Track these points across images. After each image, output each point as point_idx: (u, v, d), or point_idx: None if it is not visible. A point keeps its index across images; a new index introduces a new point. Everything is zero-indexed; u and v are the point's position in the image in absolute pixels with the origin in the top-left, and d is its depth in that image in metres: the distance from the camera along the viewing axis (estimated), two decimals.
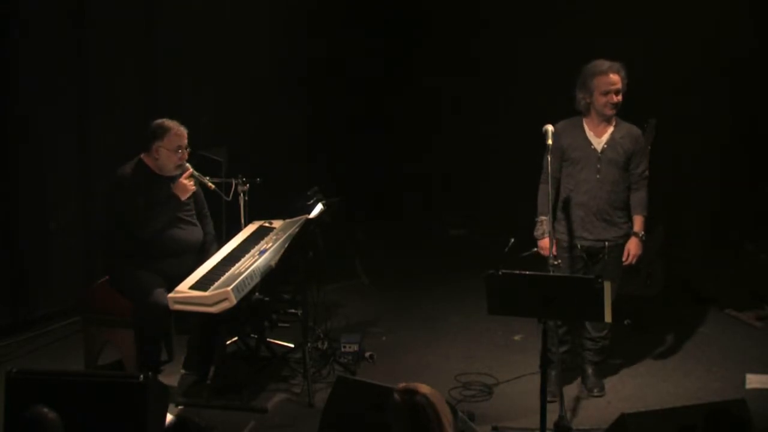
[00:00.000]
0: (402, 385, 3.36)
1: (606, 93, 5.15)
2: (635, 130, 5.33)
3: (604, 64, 5.17)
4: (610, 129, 5.26)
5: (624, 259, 5.29)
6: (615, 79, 5.15)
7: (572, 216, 5.27)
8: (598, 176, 5.22)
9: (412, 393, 3.30)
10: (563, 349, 5.41)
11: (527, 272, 4.43)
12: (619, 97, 5.17)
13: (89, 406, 3.95)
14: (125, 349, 5.33)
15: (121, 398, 4.01)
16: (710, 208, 7.70)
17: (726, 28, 7.35)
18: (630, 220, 5.32)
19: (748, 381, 5.45)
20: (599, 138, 5.25)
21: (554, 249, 5.01)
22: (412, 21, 8.49)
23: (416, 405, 3.26)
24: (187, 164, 5.50)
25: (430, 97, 8.51)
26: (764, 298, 6.61)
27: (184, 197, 5.42)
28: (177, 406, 5.16)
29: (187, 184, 5.44)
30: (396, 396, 3.31)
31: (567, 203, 5.28)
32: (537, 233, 5.27)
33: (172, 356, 5.81)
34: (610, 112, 5.20)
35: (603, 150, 5.23)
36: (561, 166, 5.29)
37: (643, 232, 5.30)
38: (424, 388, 3.32)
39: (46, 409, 3.35)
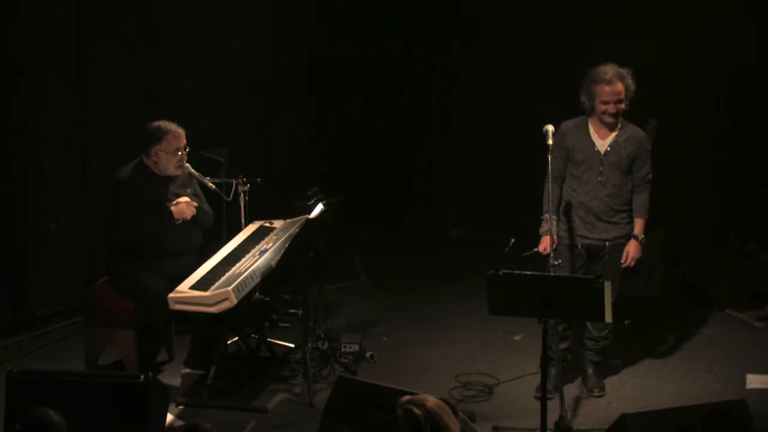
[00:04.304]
0: (407, 397, 3.30)
1: (606, 102, 5.13)
2: (639, 133, 5.30)
3: (609, 72, 5.12)
4: (615, 132, 5.24)
5: (622, 261, 5.28)
6: (617, 89, 5.11)
7: (573, 215, 5.27)
8: (600, 178, 5.22)
9: (413, 406, 3.23)
10: (563, 345, 5.41)
11: (527, 272, 4.43)
12: (621, 106, 5.15)
13: (90, 406, 3.96)
14: (125, 349, 5.33)
15: (122, 398, 4.01)
16: (710, 208, 7.70)
17: (726, 28, 7.35)
18: (632, 220, 5.31)
19: (748, 381, 5.44)
20: (603, 140, 5.24)
21: (554, 246, 5.01)
22: (413, 20, 8.48)
23: (416, 419, 3.20)
24: (187, 164, 5.50)
25: (431, 96, 8.50)
26: (764, 298, 6.60)
27: (178, 219, 5.38)
28: (177, 406, 5.15)
29: (186, 209, 5.39)
30: (398, 409, 3.26)
31: (569, 203, 5.28)
32: (541, 230, 5.28)
33: (173, 356, 5.81)
34: (608, 120, 5.19)
35: (606, 153, 5.22)
36: (565, 165, 5.29)
37: (642, 236, 5.28)
38: (429, 402, 3.25)
39: (51, 412, 3.32)
